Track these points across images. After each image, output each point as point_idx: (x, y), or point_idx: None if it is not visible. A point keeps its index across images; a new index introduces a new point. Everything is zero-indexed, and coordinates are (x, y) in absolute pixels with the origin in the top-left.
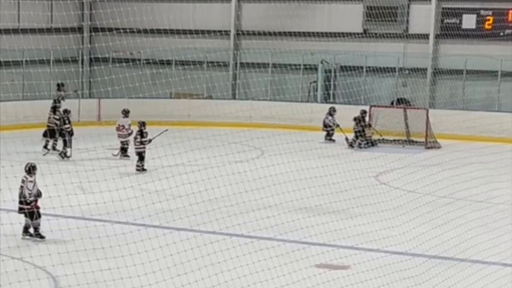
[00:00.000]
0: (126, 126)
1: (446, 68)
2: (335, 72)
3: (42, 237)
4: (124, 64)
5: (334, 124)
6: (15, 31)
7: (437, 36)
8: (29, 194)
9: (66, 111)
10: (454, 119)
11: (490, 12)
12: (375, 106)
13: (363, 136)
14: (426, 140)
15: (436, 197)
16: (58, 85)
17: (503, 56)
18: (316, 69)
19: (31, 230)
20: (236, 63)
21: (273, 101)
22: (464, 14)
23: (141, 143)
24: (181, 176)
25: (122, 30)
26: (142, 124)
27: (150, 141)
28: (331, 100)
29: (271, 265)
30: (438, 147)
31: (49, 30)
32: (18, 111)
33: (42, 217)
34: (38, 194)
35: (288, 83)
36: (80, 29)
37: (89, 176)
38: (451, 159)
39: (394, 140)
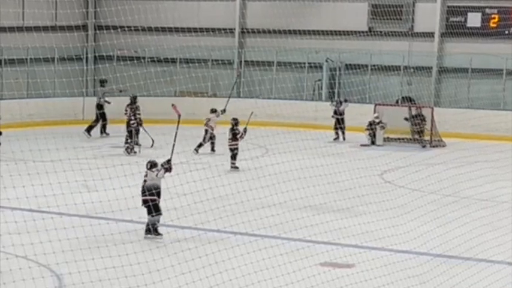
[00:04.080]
0: (211, 122)
1: (451, 67)
2: (340, 70)
3: (159, 234)
4: (128, 62)
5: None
6: (20, 29)
7: (442, 35)
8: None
9: (134, 108)
10: (459, 117)
11: (495, 11)
12: (379, 104)
13: (423, 135)
14: (431, 139)
15: (441, 195)
16: (101, 81)
17: (508, 54)
18: (321, 67)
19: (151, 227)
20: (241, 62)
21: (278, 99)
22: (469, 12)
23: (233, 140)
24: (185, 174)
25: (126, 28)
26: (235, 122)
27: (245, 131)
28: (336, 98)
29: (275, 263)
30: (443, 146)
31: (53, 28)
32: (23, 109)
33: (47, 215)
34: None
35: (292, 81)
36: (85, 27)
37: (94, 174)
38: (455, 157)
39: (399, 139)
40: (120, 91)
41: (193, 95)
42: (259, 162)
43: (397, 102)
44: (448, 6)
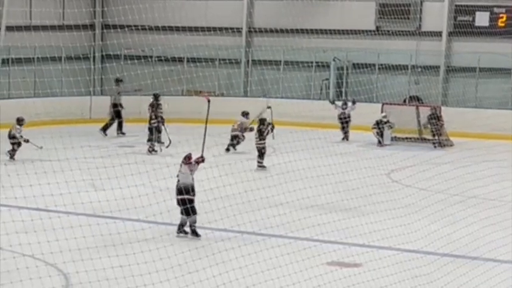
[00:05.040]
0: (237, 125)
1: (459, 66)
2: (347, 69)
3: (198, 235)
4: (136, 61)
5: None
6: (27, 28)
7: (450, 34)
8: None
9: (155, 106)
10: (466, 116)
11: (504, 10)
12: (387, 104)
13: (440, 135)
14: (439, 138)
15: (448, 195)
16: (117, 80)
17: None
18: (328, 66)
19: (186, 228)
20: (248, 61)
21: (285, 99)
22: (477, 12)
23: (260, 139)
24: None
25: (133, 27)
26: (261, 121)
27: (272, 128)
28: (343, 98)
29: (282, 263)
30: (450, 145)
31: (61, 28)
32: (30, 108)
33: (54, 214)
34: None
35: (300, 81)
36: (92, 26)
37: (101, 173)
38: (463, 157)
39: (407, 138)
40: (136, 90)
41: (200, 94)
42: (266, 162)
43: (404, 101)
44: (456, 6)
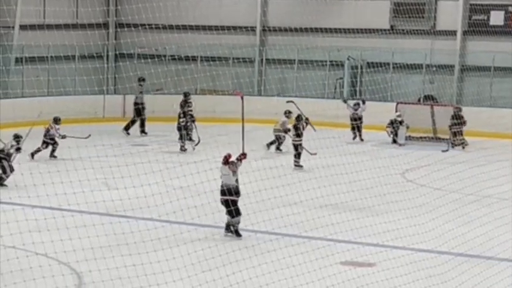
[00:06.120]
0: (279, 124)
1: (473, 65)
2: (361, 68)
3: (239, 235)
4: (149, 60)
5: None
6: (41, 27)
7: (464, 33)
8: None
9: (183, 104)
10: (481, 116)
11: None
12: (401, 103)
13: (460, 134)
14: (452, 139)
15: (463, 194)
16: (139, 79)
17: None
18: (342, 65)
19: (232, 228)
20: (262, 60)
21: (299, 98)
22: (492, 11)
23: (297, 135)
24: (206, 172)
25: (147, 26)
26: (297, 118)
27: (307, 121)
28: (358, 97)
29: (295, 262)
30: (465, 145)
31: (74, 26)
32: (43, 107)
33: (67, 213)
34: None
35: (314, 80)
36: (105, 25)
37: (114, 172)
38: (477, 156)
39: (421, 137)
40: (157, 90)
41: (214, 93)
42: (280, 161)
43: (419, 100)
44: (471, 4)
